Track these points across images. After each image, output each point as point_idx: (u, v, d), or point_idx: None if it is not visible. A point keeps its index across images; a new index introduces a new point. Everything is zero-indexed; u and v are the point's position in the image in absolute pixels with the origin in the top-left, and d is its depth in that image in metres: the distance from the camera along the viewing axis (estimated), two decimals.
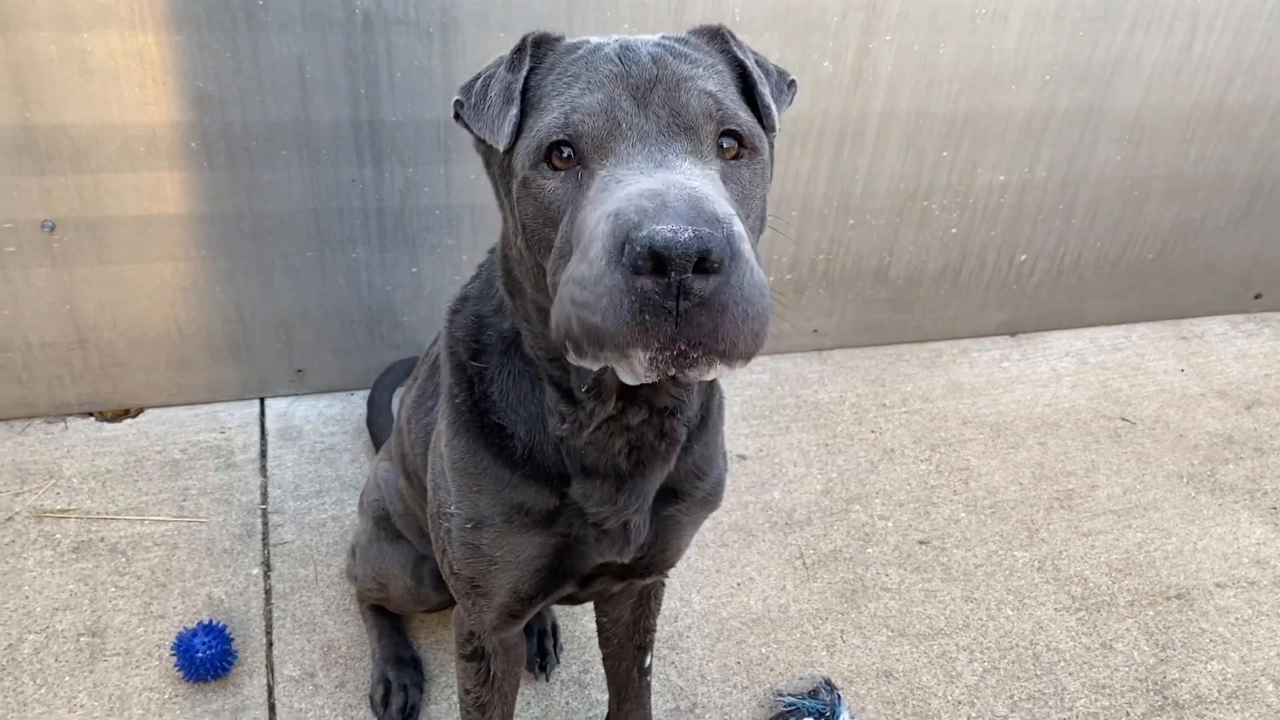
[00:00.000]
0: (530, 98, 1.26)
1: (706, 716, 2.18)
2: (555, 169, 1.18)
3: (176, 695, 2.09)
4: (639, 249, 0.97)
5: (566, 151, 1.16)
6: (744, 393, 3.05)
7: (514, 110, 1.24)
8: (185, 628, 2.14)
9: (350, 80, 2.41)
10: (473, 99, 1.33)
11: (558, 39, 1.30)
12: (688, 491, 1.51)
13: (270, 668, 2.16)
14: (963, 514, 2.70)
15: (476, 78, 1.34)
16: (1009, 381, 3.20)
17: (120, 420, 2.72)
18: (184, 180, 2.45)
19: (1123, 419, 3.10)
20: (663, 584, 1.88)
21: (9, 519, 2.41)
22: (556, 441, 1.40)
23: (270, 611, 2.27)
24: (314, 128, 2.45)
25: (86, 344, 2.62)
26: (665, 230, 0.96)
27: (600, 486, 1.39)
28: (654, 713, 2.15)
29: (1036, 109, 2.93)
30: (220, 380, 2.78)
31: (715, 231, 0.98)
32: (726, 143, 1.19)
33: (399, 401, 1.89)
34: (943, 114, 2.86)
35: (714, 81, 1.21)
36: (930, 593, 2.48)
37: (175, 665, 2.08)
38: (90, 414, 2.72)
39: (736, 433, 2.88)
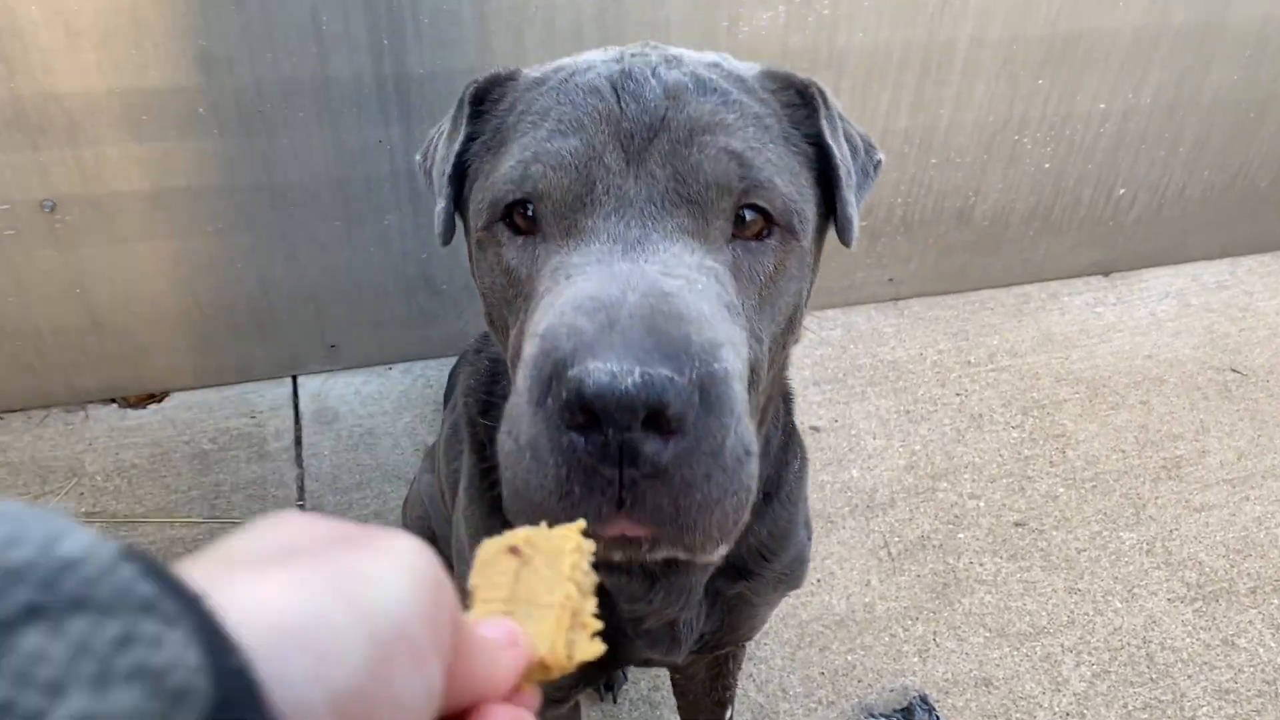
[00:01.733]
0: (485, 142, 0.96)
1: None
2: (516, 231, 0.89)
3: None
4: (565, 394, 0.69)
5: (530, 209, 0.88)
6: (814, 353, 2.79)
7: (443, 202, 0.97)
8: None
9: (371, 31, 2.13)
10: (427, 163, 1.07)
11: (512, 75, 0.98)
12: (755, 571, 1.24)
13: None
14: (1061, 489, 2.46)
15: (432, 137, 1.07)
16: (1104, 330, 2.91)
17: (144, 406, 2.52)
18: (194, 150, 2.19)
19: (1232, 370, 2.82)
20: (742, 647, 1.64)
21: None
22: None
23: None
24: (334, 86, 2.18)
25: (102, 328, 2.41)
26: (601, 372, 0.68)
27: (630, 583, 1.13)
28: None
29: (1145, 28, 2.58)
30: (249, 359, 2.56)
31: (678, 373, 0.69)
32: (749, 215, 0.88)
33: (441, 423, 1.65)
34: (1039, 38, 2.52)
35: (748, 137, 0.88)
36: (1029, 584, 2.26)
37: None
38: (112, 400, 2.52)
39: (808, 400, 2.64)
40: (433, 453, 1.86)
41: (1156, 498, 2.45)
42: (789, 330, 0.98)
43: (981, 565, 2.29)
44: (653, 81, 0.88)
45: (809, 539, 1.35)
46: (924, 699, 2.00)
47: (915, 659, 2.11)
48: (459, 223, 1.05)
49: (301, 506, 2.31)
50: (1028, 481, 2.47)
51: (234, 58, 2.09)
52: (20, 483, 2.33)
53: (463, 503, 1.24)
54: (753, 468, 0.78)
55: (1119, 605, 2.23)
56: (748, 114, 0.91)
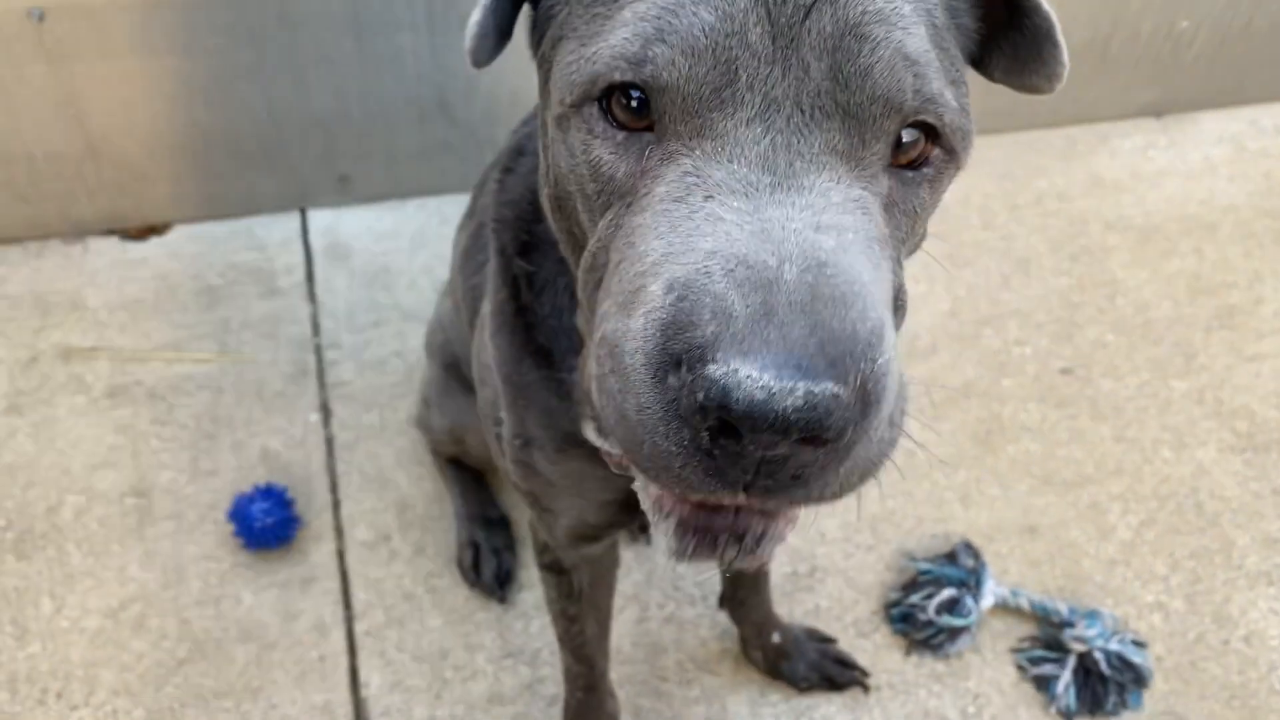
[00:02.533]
0: None
1: (828, 581, 1.93)
2: (615, 123, 0.72)
3: (237, 565, 1.87)
4: (702, 397, 0.57)
5: (636, 101, 0.70)
6: None
7: (477, 16, 0.82)
8: (239, 491, 1.89)
9: None
10: None
11: None
12: None
13: (339, 531, 1.93)
14: (1110, 336, 2.35)
15: None
16: (1156, 174, 2.76)
17: (146, 238, 2.39)
18: None
19: None
20: None
21: (34, 359, 2.14)
22: None
23: (334, 465, 2.02)
24: None
25: (99, 154, 2.25)
26: (755, 386, 0.55)
27: None
28: (771, 576, 1.91)
29: None
30: (255, 190, 2.41)
31: (842, 384, 0.57)
32: (908, 136, 0.72)
33: (456, 233, 1.52)
34: None
35: (923, 37, 0.72)
36: (1076, 432, 2.17)
37: (234, 533, 1.84)
38: (112, 232, 2.38)
39: None
40: (451, 280, 1.73)
41: (1208, 346, 2.35)
42: (921, 242, 0.88)
43: (1026, 413, 2.20)
44: None
45: (905, 401, 1.26)
46: (968, 544, 1.93)
47: (958, 506, 2.04)
48: (504, 45, 0.90)
49: (317, 345, 2.20)
50: (1075, 328, 2.36)
51: None
52: (20, 316, 2.21)
53: (488, 328, 1.12)
54: (894, 436, 0.67)
55: (1167, 454, 2.15)
56: (920, 3, 0.74)
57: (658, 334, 0.61)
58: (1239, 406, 2.24)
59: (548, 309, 1.04)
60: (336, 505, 1.96)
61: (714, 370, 0.57)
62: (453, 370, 1.78)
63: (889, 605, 1.89)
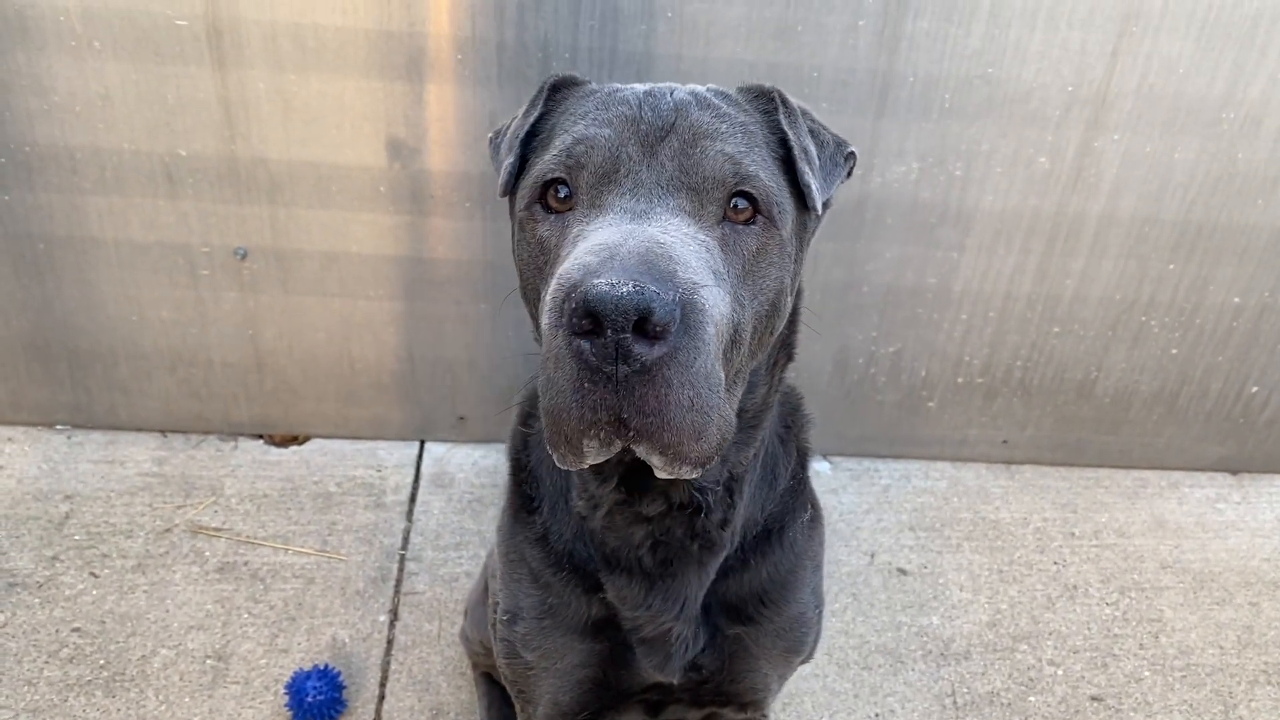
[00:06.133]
0: (540, 140, 1.20)
1: None
2: (549, 210, 1.11)
3: None
4: (574, 304, 0.90)
5: (563, 191, 1.10)
6: (914, 500, 2.83)
7: (512, 158, 1.18)
8: (301, 668, 2.13)
9: None
10: (497, 140, 1.31)
11: (582, 82, 1.24)
12: (753, 616, 1.35)
13: None
14: (1147, 672, 2.39)
15: (509, 121, 1.30)
16: (1223, 526, 2.84)
17: (287, 446, 2.79)
18: (369, 221, 2.49)
19: None
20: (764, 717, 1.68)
21: (167, 530, 2.49)
22: (579, 522, 1.29)
23: (388, 663, 2.24)
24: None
25: (264, 368, 2.70)
26: (602, 284, 0.89)
27: (630, 585, 1.28)
28: None
29: None
30: (385, 418, 2.80)
31: (663, 291, 0.90)
32: (740, 204, 1.09)
33: None
34: (1172, 222, 2.58)
35: (739, 142, 1.11)
36: None
37: (285, 704, 2.07)
38: (260, 436, 2.80)
39: (900, 544, 2.67)
40: None
41: (1251, 700, 2.35)
42: (773, 314, 1.14)
43: None
44: (668, 98, 1.11)
45: (818, 609, 1.43)
46: None
47: None
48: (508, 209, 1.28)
49: (402, 556, 2.48)
50: (1113, 659, 2.41)
51: (418, 147, 2.39)
52: (168, 492, 2.60)
53: (502, 519, 1.40)
54: (717, 399, 0.96)
55: None
56: (736, 124, 1.12)
57: (552, 300, 0.94)
58: None
59: (534, 460, 1.37)
60: (381, 698, 2.16)
61: (580, 289, 0.89)
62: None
63: None
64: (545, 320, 0.97)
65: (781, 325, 1.19)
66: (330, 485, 2.68)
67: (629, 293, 0.87)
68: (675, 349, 0.91)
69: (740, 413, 1.19)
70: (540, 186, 1.11)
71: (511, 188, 1.21)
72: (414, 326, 2.66)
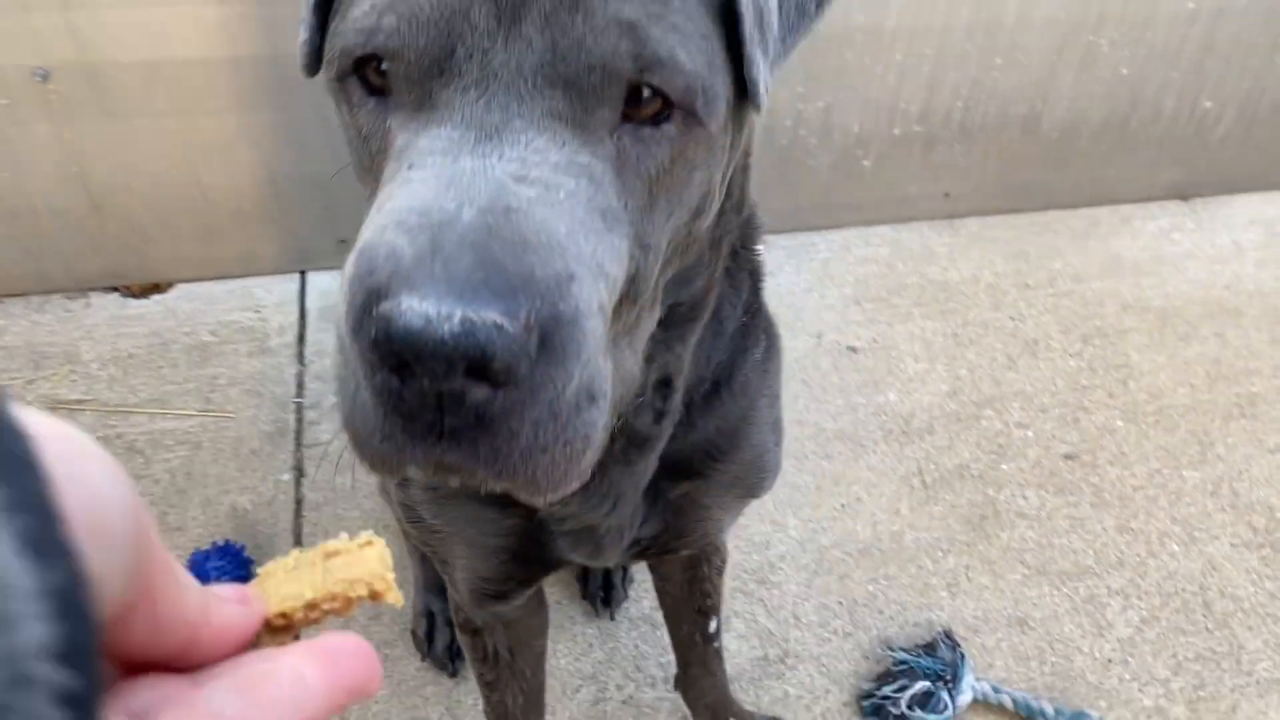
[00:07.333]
0: None
1: (800, 668, 1.84)
2: (370, 90, 0.73)
3: None
4: (374, 332, 0.59)
5: (385, 65, 0.71)
6: (857, 271, 2.59)
7: (305, 31, 0.81)
8: (199, 548, 1.87)
9: None
10: None
11: None
12: (703, 472, 1.08)
13: None
14: (1119, 422, 2.24)
15: None
16: (1180, 257, 2.67)
17: (148, 295, 2.42)
18: (193, 17, 2.06)
19: None
20: (715, 549, 1.47)
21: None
22: None
23: (300, 526, 1.99)
24: None
25: (102, 211, 2.30)
26: (414, 314, 0.57)
27: None
28: (739, 659, 1.82)
29: None
30: (255, 252, 2.44)
31: (510, 317, 0.58)
32: (645, 94, 0.70)
33: None
34: None
35: (648, 4, 0.68)
36: (1077, 521, 2.06)
37: None
38: (115, 289, 2.43)
39: (847, 320, 2.44)
40: None
41: (1226, 436, 2.23)
42: (698, 216, 0.80)
43: (1024, 499, 2.09)
44: None
45: (777, 443, 1.18)
46: (948, 634, 1.82)
47: (944, 593, 1.94)
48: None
49: (299, 404, 2.19)
50: (1083, 413, 2.26)
51: None
52: (14, 367, 2.24)
53: None
54: (596, 415, 0.67)
55: (1176, 548, 2.03)
56: None
57: (347, 293, 0.62)
58: (1257, 500, 2.11)
59: None
60: None
61: (383, 306, 0.58)
62: None
63: (861, 697, 1.78)
64: (342, 303, 0.64)
65: (711, 218, 0.84)
66: (204, 334, 2.34)
67: (452, 334, 0.57)
68: (532, 390, 0.62)
69: (671, 309, 0.88)
70: (352, 61, 0.72)
71: (316, 63, 0.83)
72: (271, 141, 2.27)
